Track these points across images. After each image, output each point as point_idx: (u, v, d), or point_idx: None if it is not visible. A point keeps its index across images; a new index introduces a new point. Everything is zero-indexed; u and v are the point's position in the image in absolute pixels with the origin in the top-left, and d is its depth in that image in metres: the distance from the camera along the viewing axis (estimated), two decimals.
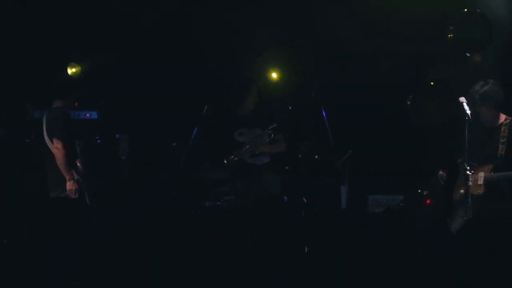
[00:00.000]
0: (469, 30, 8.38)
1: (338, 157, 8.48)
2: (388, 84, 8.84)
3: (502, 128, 7.01)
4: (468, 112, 6.80)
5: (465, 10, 8.42)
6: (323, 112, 8.37)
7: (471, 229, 4.18)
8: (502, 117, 7.09)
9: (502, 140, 6.98)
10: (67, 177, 6.77)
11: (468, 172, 6.73)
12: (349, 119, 8.97)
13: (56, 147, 6.78)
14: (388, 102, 8.67)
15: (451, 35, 8.35)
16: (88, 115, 8.75)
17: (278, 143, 7.44)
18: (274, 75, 9.49)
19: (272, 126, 7.39)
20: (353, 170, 8.59)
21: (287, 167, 8.35)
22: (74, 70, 8.94)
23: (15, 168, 8.76)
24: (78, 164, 6.89)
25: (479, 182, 6.92)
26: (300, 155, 8.61)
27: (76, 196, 6.76)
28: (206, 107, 7.81)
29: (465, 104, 6.80)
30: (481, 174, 6.92)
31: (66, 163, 6.78)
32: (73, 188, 6.75)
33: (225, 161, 7.40)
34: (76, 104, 7.66)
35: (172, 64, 9.36)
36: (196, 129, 7.77)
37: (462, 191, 6.98)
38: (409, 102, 7.73)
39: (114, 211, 8.08)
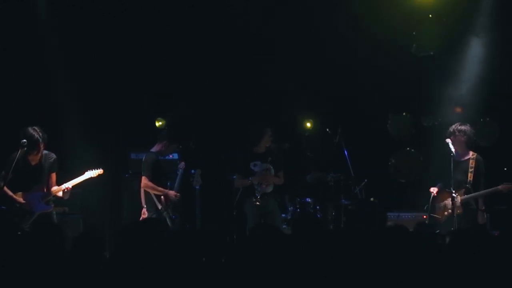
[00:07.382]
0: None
1: (356, 185, 9.51)
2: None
3: (470, 161, 8.41)
4: (453, 149, 8.27)
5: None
6: (345, 151, 9.44)
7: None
8: (470, 153, 8.48)
9: (470, 170, 8.39)
10: (162, 195, 8.33)
11: (454, 194, 8.18)
12: (365, 156, 9.98)
13: (143, 182, 8.41)
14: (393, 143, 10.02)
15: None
16: (171, 156, 9.44)
17: (279, 178, 8.91)
18: (308, 124, 10.83)
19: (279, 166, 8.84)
20: (367, 194, 9.60)
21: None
22: (160, 123, 10.29)
23: (116, 196, 10.19)
24: (162, 198, 8.38)
25: (457, 204, 8.24)
26: (329, 183, 9.70)
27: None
28: None
29: (450, 144, 8.31)
30: (459, 198, 8.25)
31: (155, 190, 8.35)
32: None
33: (257, 203, 8.77)
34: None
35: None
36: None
37: (446, 212, 8.32)
38: None
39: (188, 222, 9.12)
